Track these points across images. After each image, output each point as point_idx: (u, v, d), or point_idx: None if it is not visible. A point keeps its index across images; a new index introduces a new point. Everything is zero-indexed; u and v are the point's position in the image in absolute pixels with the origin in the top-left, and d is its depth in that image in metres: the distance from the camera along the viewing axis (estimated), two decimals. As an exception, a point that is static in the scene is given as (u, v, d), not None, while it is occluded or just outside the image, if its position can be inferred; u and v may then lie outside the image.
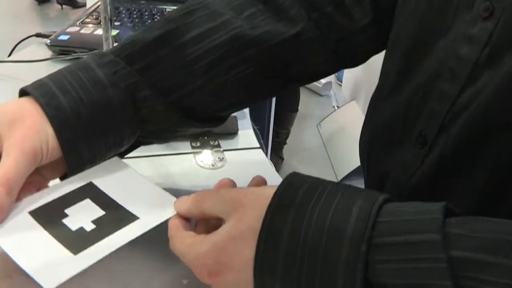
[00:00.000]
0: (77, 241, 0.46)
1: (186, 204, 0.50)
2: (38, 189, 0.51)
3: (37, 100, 0.51)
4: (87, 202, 0.51)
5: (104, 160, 0.56)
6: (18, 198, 0.49)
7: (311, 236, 0.41)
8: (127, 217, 0.50)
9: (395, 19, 0.60)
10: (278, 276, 0.41)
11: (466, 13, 0.49)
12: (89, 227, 0.48)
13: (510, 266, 0.36)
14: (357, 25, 0.62)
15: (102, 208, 0.50)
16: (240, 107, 0.67)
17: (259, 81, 0.61)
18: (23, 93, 0.54)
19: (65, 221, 0.48)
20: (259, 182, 0.54)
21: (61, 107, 0.51)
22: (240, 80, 0.59)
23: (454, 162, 0.49)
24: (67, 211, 0.49)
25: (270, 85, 0.64)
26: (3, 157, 0.48)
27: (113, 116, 0.54)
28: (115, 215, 0.50)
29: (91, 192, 0.52)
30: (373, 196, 0.42)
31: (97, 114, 0.53)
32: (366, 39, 0.63)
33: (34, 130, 0.49)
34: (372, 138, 0.63)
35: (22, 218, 0.48)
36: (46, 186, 0.53)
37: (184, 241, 0.47)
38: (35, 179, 0.52)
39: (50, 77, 0.53)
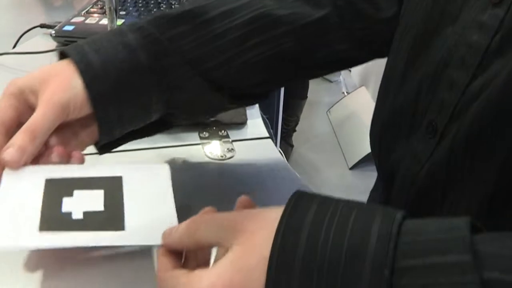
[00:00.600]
0: (54, 221, 0.46)
1: (177, 233, 0.44)
2: (75, 155, 0.53)
3: (71, 57, 0.53)
4: (98, 193, 0.50)
5: (133, 127, 0.57)
6: (54, 162, 0.51)
7: (328, 261, 0.36)
8: (115, 224, 0.47)
9: (406, 4, 0.59)
10: None
11: None
12: (77, 215, 0.47)
13: None
14: (382, 15, 0.61)
15: (105, 204, 0.49)
16: (268, 87, 0.67)
17: (284, 62, 0.61)
18: (61, 56, 0.56)
19: (65, 199, 0.48)
20: (247, 203, 0.49)
21: (91, 64, 0.53)
22: (266, 59, 0.60)
23: (465, 152, 0.47)
24: (75, 192, 0.49)
25: (295, 68, 0.64)
26: (35, 110, 0.51)
27: (141, 78, 0.55)
28: (108, 216, 0.48)
29: (111, 186, 0.51)
30: (390, 213, 0.38)
31: (125, 74, 0.54)
32: (391, 30, 0.61)
33: (64, 85, 0.52)
34: (383, 127, 0.62)
35: (35, 180, 0.49)
36: (82, 150, 0.55)
37: (179, 281, 0.42)
38: (72, 142, 0.54)
39: (86, 40, 0.56)
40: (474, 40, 0.47)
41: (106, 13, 0.88)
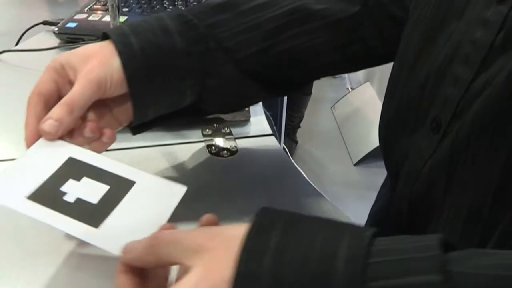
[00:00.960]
0: (45, 196, 0.47)
1: (137, 250, 0.42)
2: (106, 132, 0.55)
3: (111, 38, 0.55)
4: (103, 187, 0.50)
5: (167, 110, 0.59)
6: (87, 136, 0.54)
7: (294, 284, 0.35)
8: (94, 220, 0.47)
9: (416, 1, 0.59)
10: None
11: None
12: (69, 199, 0.48)
13: None
14: None
15: (101, 200, 0.49)
16: (300, 79, 0.68)
17: (316, 56, 0.63)
18: (104, 37, 0.58)
19: (70, 181, 0.49)
20: (211, 220, 0.46)
21: (130, 44, 0.55)
22: (300, 51, 0.62)
23: (467, 150, 0.47)
24: (84, 178, 0.50)
25: (328, 61, 0.65)
26: (74, 85, 0.53)
27: (176, 61, 0.57)
28: (94, 211, 0.47)
29: (119, 186, 0.50)
30: (359, 233, 0.37)
31: (162, 57, 0.56)
32: None
33: (102, 62, 0.54)
34: (389, 123, 0.62)
35: (59, 154, 0.51)
36: (116, 128, 0.57)
37: None
38: (107, 119, 0.56)
39: (128, 23, 0.58)
40: (478, 36, 0.47)
41: (109, 10, 0.87)
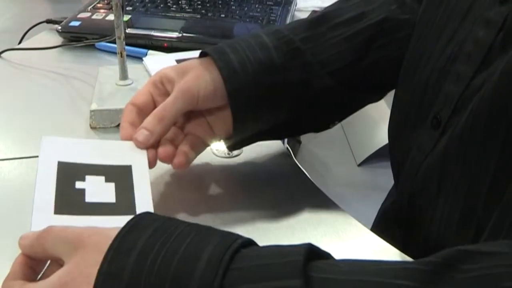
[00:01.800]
0: (70, 204, 0.49)
1: (29, 239, 0.43)
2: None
3: (210, 55, 0.58)
4: (110, 186, 0.52)
5: (264, 125, 0.61)
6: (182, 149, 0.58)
7: (152, 284, 0.35)
8: (128, 206, 0.50)
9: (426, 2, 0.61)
10: None
11: None
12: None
13: None
14: None
15: (117, 197, 0.51)
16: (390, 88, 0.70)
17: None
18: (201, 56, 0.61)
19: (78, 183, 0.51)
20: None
21: (229, 61, 0.58)
22: (391, 60, 0.63)
23: (461, 146, 0.48)
24: (87, 177, 0.52)
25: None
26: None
27: (275, 76, 0.59)
28: (120, 203, 0.50)
29: (121, 176, 0.53)
30: (228, 239, 0.37)
31: (261, 72, 0.58)
32: None
33: (197, 76, 0.57)
34: (395, 118, 0.64)
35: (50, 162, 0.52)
36: (214, 142, 0.62)
37: None
38: (205, 133, 0.60)
39: (224, 42, 0.61)
40: (480, 36, 0.49)
41: (113, 8, 0.87)
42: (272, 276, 0.34)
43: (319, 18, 0.64)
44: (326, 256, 0.38)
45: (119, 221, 0.46)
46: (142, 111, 0.58)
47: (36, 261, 0.43)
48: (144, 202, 0.51)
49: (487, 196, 0.45)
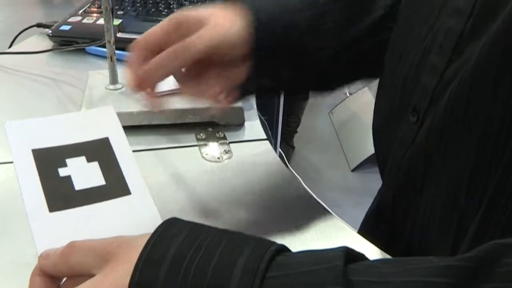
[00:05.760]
0: (62, 198, 0.47)
1: (52, 258, 0.41)
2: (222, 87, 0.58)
3: (242, 4, 0.57)
4: (94, 165, 0.50)
5: (278, 81, 0.62)
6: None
7: None
8: (121, 187, 0.49)
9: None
10: None
11: None
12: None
13: None
14: None
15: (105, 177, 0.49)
16: None
17: None
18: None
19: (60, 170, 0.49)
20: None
21: (261, 13, 0.57)
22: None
23: (441, 137, 0.48)
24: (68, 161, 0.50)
25: None
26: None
27: (299, 37, 0.59)
28: (111, 185, 0.49)
29: (102, 153, 0.51)
30: (263, 246, 0.36)
31: (286, 31, 0.58)
32: None
33: (228, 19, 0.56)
34: (378, 113, 0.64)
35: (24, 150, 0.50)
36: (228, 87, 0.59)
37: None
38: (221, 76, 0.58)
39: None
40: (451, 25, 0.49)
41: (103, 13, 0.86)
42: (312, 284, 0.33)
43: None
44: (361, 257, 0.37)
45: (117, 205, 0.45)
46: (154, 50, 0.55)
47: (54, 280, 0.42)
48: (135, 179, 0.49)
49: (468, 186, 0.45)
